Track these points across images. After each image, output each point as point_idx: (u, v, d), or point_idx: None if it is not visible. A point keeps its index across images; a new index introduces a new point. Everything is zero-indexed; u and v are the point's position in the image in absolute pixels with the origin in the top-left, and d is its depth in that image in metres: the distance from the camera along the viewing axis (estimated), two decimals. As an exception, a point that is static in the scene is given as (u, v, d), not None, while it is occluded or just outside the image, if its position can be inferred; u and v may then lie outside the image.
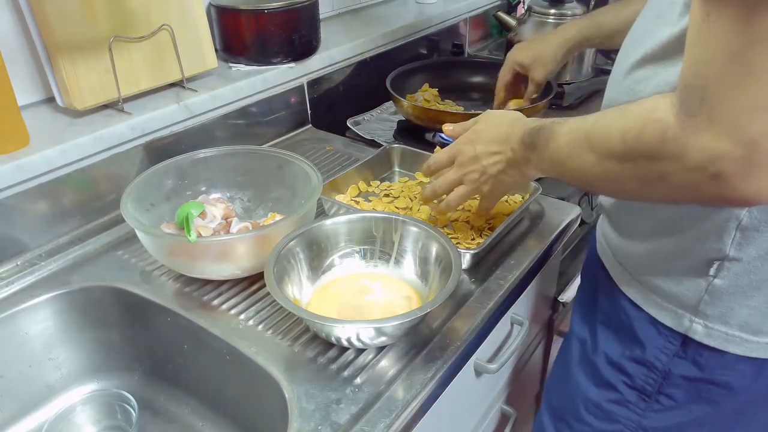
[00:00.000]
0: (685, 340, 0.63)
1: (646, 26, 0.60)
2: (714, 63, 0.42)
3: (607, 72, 0.73)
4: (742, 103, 0.41)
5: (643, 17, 0.63)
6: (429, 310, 0.61)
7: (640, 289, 0.66)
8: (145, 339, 0.76)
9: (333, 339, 0.64)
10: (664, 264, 0.63)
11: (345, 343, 0.64)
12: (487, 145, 0.70)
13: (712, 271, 0.59)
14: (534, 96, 1.07)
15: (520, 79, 1.08)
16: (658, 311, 0.64)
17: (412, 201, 0.90)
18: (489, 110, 0.76)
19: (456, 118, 1.05)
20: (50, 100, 0.89)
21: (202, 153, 0.85)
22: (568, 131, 0.58)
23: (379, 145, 1.05)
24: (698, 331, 0.62)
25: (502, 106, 1.10)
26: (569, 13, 1.30)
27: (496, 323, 0.74)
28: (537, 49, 1.01)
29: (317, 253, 0.73)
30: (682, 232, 0.60)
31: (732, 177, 0.43)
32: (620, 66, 0.65)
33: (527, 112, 1.06)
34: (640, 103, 0.50)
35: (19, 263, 0.78)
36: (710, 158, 0.43)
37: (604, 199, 0.73)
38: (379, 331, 0.62)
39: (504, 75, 1.06)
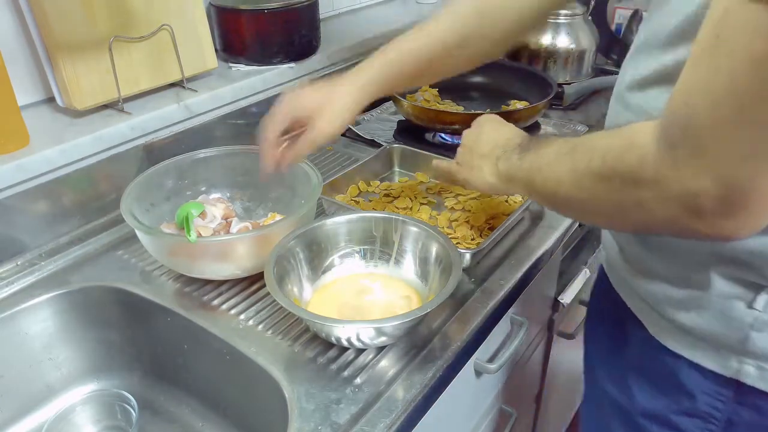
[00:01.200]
0: (740, 385, 0.54)
1: (635, 50, 0.56)
2: (709, 94, 0.37)
3: (608, 72, 0.72)
4: (732, 145, 0.37)
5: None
6: (429, 310, 0.61)
7: (670, 328, 0.57)
8: (145, 339, 0.76)
9: (333, 339, 0.64)
10: (696, 298, 0.54)
11: (345, 343, 0.64)
12: (485, 143, 0.69)
13: (759, 305, 0.51)
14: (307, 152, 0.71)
15: (295, 136, 0.71)
16: (694, 353, 0.55)
17: (412, 201, 0.90)
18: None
19: (456, 118, 1.05)
20: (50, 100, 0.89)
21: (202, 153, 0.85)
22: (561, 141, 0.55)
23: (379, 145, 1.05)
24: (751, 373, 0.53)
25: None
26: (569, 13, 1.29)
27: (496, 323, 0.74)
28: (324, 97, 0.70)
29: (317, 253, 0.73)
30: (717, 261, 0.52)
31: (710, 214, 0.40)
32: (618, 86, 0.61)
33: (527, 111, 1.06)
34: (629, 126, 0.47)
35: (19, 263, 0.78)
36: (688, 193, 0.40)
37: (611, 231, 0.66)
38: (379, 331, 0.62)
39: (274, 126, 0.69)
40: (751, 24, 0.34)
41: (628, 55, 0.59)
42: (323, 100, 0.69)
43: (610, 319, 0.67)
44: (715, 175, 0.39)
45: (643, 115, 0.54)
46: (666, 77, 0.51)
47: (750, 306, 0.51)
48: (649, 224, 0.47)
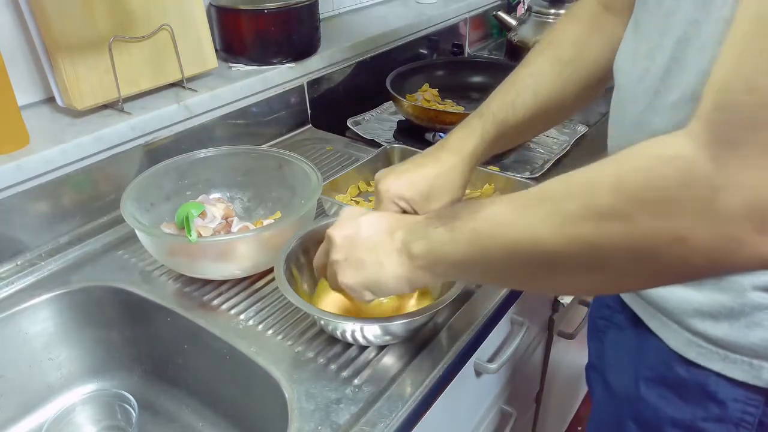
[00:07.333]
0: None
1: (664, 61, 0.49)
2: None
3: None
4: None
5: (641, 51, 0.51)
6: (436, 310, 0.61)
7: (694, 341, 0.54)
8: (145, 339, 0.76)
9: (338, 334, 0.64)
10: (727, 309, 0.51)
11: (350, 339, 0.64)
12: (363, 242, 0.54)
13: None
14: None
15: None
16: (725, 365, 0.52)
17: (412, 201, 0.90)
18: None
19: (456, 118, 1.05)
20: (50, 100, 0.89)
21: (202, 153, 0.85)
22: (508, 197, 0.44)
23: (379, 145, 1.05)
24: None
25: None
26: (569, 13, 1.29)
27: (496, 323, 0.74)
28: (428, 178, 0.63)
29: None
30: (752, 272, 0.48)
31: None
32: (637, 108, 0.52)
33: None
34: (637, 146, 0.37)
35: (19, 263, 0.78)
36: (756, 204, 0.32)
37: None
38: (386, 330, 0.62)
39: None
40: None
41: (663, 59, 0.50)
42: (428, 185, 0.62)
43: (617, 327, 0.63)
44: None
45: None
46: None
47: None
48: (682, 269, 0.37)
